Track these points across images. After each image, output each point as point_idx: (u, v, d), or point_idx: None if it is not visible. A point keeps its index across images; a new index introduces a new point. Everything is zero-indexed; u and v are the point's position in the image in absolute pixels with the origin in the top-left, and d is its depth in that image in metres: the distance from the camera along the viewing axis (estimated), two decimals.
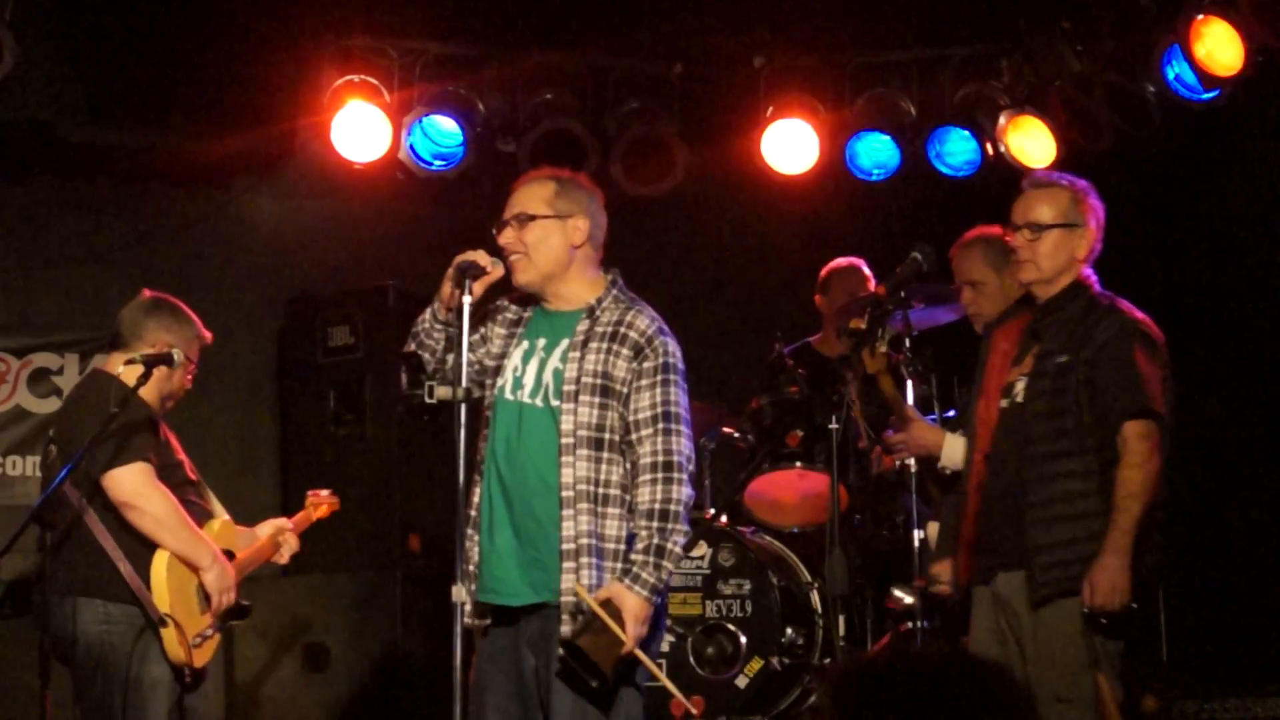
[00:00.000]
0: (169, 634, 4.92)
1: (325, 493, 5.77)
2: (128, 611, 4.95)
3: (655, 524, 4.37)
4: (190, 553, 5.02)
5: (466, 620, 4.38)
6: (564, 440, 4.42)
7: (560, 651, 4.33)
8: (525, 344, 4.58)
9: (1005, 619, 4.74)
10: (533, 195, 4.61)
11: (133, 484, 4.92)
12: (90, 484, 4.94)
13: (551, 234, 4.56)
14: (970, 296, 5.60)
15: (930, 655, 2.55)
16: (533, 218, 4.55)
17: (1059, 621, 4.59)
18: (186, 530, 5.02)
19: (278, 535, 5.47)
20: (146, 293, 5.33)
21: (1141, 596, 4.61)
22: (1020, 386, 4.79)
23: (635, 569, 4.34)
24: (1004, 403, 4.81)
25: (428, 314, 4.58)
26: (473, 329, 4.50)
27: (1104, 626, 4.52)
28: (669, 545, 4.37)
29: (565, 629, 4.35)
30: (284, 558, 5.53)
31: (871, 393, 6.73)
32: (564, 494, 4.40)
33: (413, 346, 4.58)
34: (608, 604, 4.30)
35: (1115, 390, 4.65)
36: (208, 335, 5.33)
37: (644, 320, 4.53)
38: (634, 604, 4.31)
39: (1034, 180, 4.95)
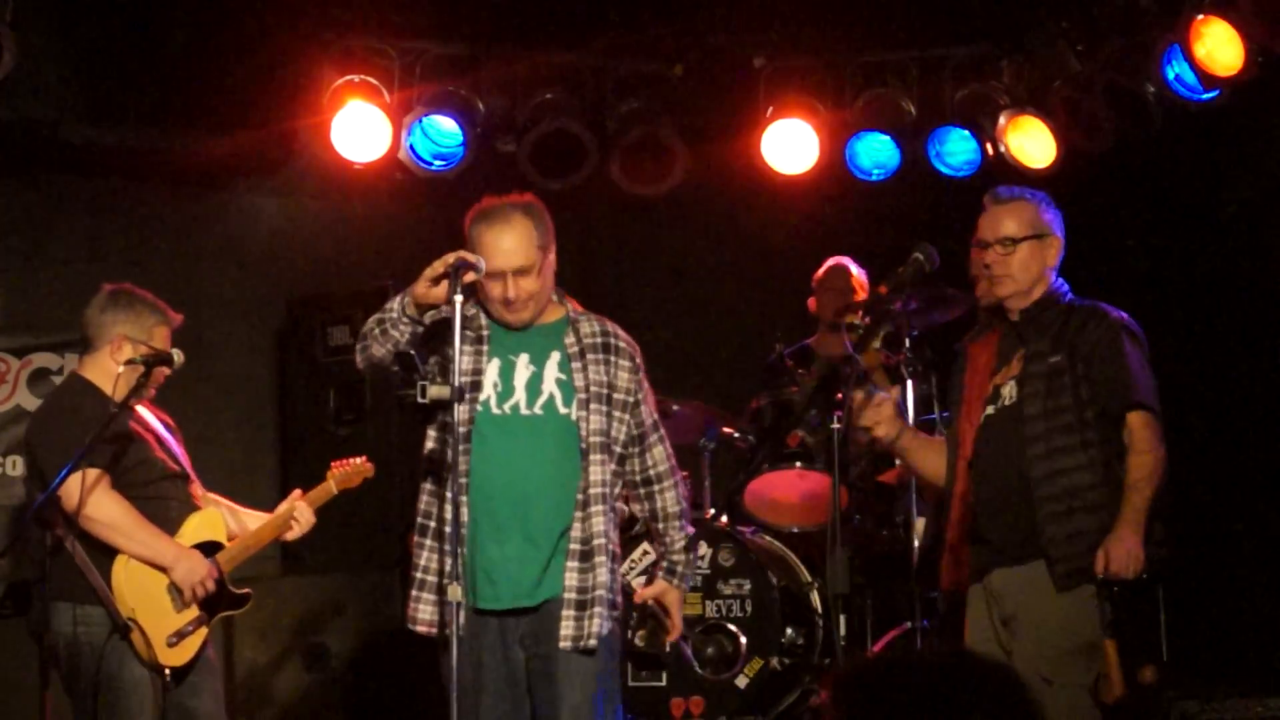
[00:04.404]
0: (135, 638, 4.93)
1: (359, 460, 5.60)
2: (101, 612, 4.96)
3: (684, 524, 4.81)
4: (149, 554, 5.01)
5: (460, 632, 4.40)
6: (584, 445, 4.60)
7: (583, 647, 4.49)
8: (498, 359, 4.66)
9: (997, 612, 4.81)
10: (521, 244, 4.62)
11: (79, 493, 4.90)
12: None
13: (546, 273, 4.69)
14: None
15: (934, 655, 2.55)
16: (532, 267, 4.62)
17: (1064, 607, 4.67)
18: (142, 532, 5.00)
19: (290, 512, 5.41)
20: (106, 287, 5.30)
21: (1146, 585, 4.74)
22: (1009, 390, 4.86)
23: (680, 568, 4.81)
24: (989, 409, 4.88)
25: (395, 306, 4.57)
26: (433, 336, 4.58)
27: (1115, 595, 4.62)
28: (694, 543, 4.87)
29: (568, 624, 4.49)
30: (293, 534, 5.42)
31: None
32: (579, 496, 4.58)
33: (377, 331, 4.60)
34: (655, 601, 4.79)
35: (1112, 386, 4.76)
36: (176, 317, 5.28)
37: (621, 330, 4.80)
38: (679, 598, 4.81)
39: (997, 196, 5.00)
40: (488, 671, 4.53)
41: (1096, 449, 4.75)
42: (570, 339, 4.68)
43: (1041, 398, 4.78)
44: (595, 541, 4.56)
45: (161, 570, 5.03)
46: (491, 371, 4.63)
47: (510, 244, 4.61)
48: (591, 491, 4.58)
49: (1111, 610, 4.63)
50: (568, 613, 4.49)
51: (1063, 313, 4.89)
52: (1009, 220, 4.91)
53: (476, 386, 4.61)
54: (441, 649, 4.41)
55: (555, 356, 4.65)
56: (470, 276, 4.49)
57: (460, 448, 4.52)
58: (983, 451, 4.87)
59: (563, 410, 4.61)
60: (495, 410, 4.60)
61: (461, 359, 4.57)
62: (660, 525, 4.79)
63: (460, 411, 4.50)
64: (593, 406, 4.61)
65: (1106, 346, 4.79)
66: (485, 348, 4.66)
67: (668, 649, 5.02)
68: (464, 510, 4.53)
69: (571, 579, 4.52)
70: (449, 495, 4.46)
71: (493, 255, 4.59)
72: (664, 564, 4.82)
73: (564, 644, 4.48)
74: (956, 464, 4.94)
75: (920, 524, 6.14)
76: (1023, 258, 4.88)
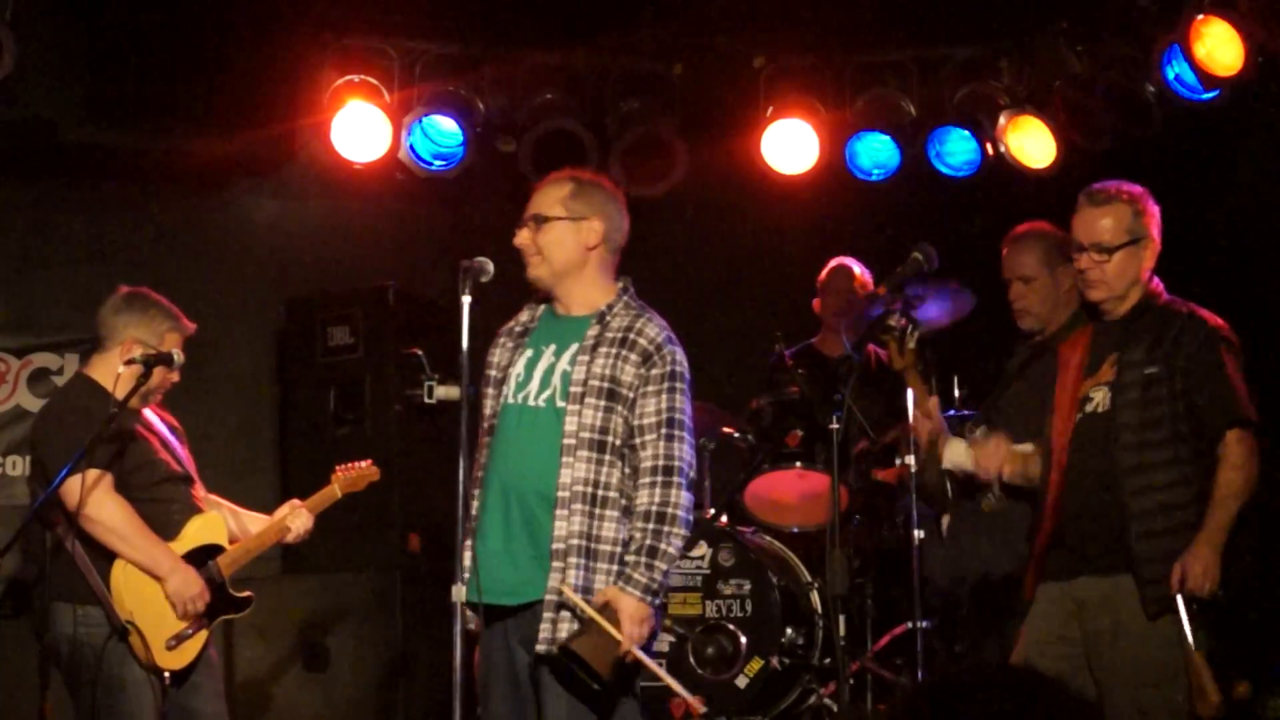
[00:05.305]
0: (134, 640, 4.93)
1: (364, 464, 5.63)
2: (101, 612, 4.96)
3: (650, 525, 4.44)
4: (146, 562, 5.01)
5: (469, 626, 4.43)
6: (565, 441, 4.47)
7: (551, 652, 4.37)
8: (530, 351, 4.62)
9: (1080, 621, 4.70)
10: (549, 196, 4.65)
11: (79, 492, 4.89)
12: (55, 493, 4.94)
13: (565, 236, 4.61)
14: (1020, 291, 5.51)
15: (999, 672, 2.50)
16: (547, 219, 4.60)
17: (1159, 633, 4.58)
18: (141, 538, 5.00)
19: (288, 516, 5.41)
20: (122, 289, 5.30)
21: (1236, 600, 4.64)
22: (1101, 397, 4.74)
23: (628, 570, 4.42)
24: (1079, 414, 4.76)
25: None
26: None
27: (1193, 611, 4.53)
28: (662, 546, 4.43)
29: (545, 626, 4.39)
30: (290, 537, 5.42)
31: (872, 393, 6.75)
32: (560, 494, 4.44)
33: None
34: (605, 607, 4.37)
35: (1211, 402, 4.66)
36: (190, 326, 5.28)
37: (653, 328, 4.58)
38: (629, 605, 4.39)
39: (1093, 196, 4.83)
40: (495, 670, 4.52)
41: (1190, 465, 4.64)
42: (593, 330, 4.57)
43: (1137, 408, 4.66)
44: (572, 542, 4.40)
45: (156, 579, 5.03)
46: (519, 364, 4.60)
47: (536, 195, 4.68)
48: (575, 490, 4.44)
49: (1192, 625, 4.54)
50: (547, 615, 4.40)
51: (1159, 317, 4.76)
52: (1103, 224, 4.76)
53: (504, 381, 4.61)
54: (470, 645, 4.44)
55: (573, 348, 4.57)
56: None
57: (483, 440, 4.55)
58: (1074, 458, 4.74)
59: (559, 404, 4.52)
60: (511, 400, 4.57)
61: (499, 355, 4.64)
62: (630, 521, 4.47)
63: (487, 405, 4.54)
64: (587, 401, 4.47)
65: (1205, 360, 4.68)
66: (525, 340, 4.65)
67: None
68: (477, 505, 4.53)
69: (552, 581, 4.41)
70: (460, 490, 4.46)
71: (526, 206, 4.68)
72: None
73: (539, 648, 4.40)
74: (1050, 473, 4.79)
75: (945, 522, 6.13)
76: (1118, 265, 4.75)
